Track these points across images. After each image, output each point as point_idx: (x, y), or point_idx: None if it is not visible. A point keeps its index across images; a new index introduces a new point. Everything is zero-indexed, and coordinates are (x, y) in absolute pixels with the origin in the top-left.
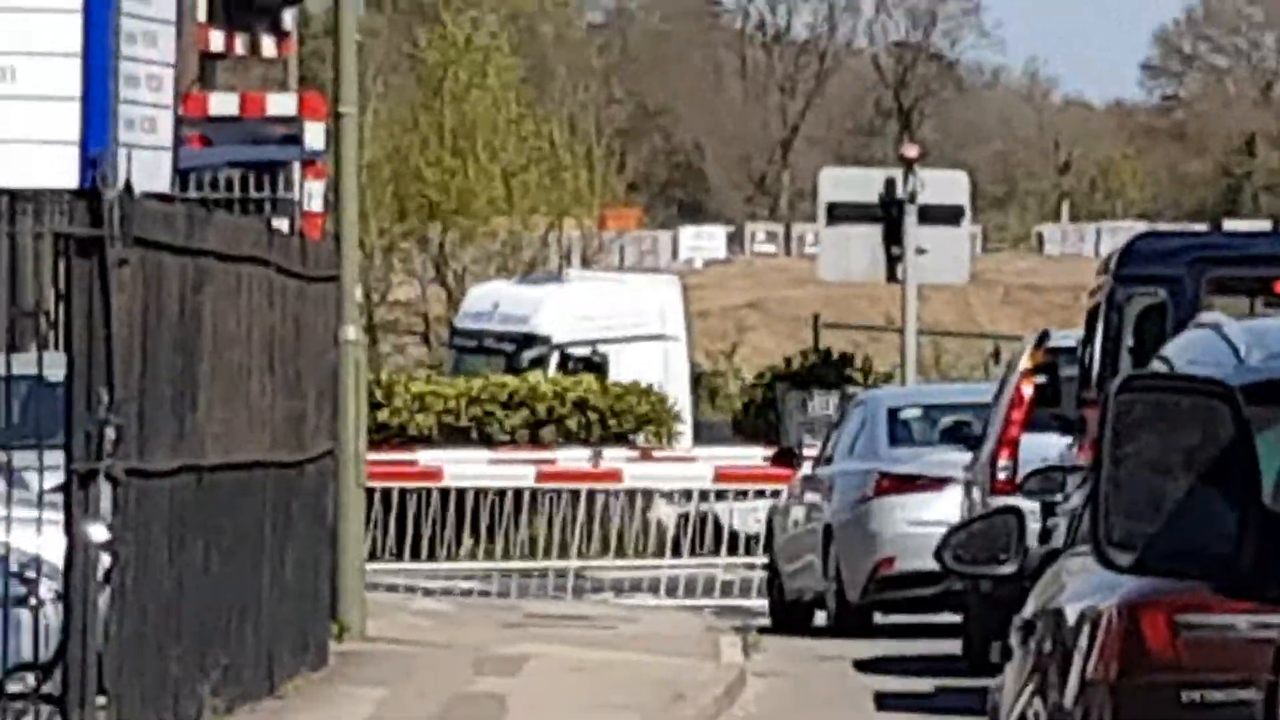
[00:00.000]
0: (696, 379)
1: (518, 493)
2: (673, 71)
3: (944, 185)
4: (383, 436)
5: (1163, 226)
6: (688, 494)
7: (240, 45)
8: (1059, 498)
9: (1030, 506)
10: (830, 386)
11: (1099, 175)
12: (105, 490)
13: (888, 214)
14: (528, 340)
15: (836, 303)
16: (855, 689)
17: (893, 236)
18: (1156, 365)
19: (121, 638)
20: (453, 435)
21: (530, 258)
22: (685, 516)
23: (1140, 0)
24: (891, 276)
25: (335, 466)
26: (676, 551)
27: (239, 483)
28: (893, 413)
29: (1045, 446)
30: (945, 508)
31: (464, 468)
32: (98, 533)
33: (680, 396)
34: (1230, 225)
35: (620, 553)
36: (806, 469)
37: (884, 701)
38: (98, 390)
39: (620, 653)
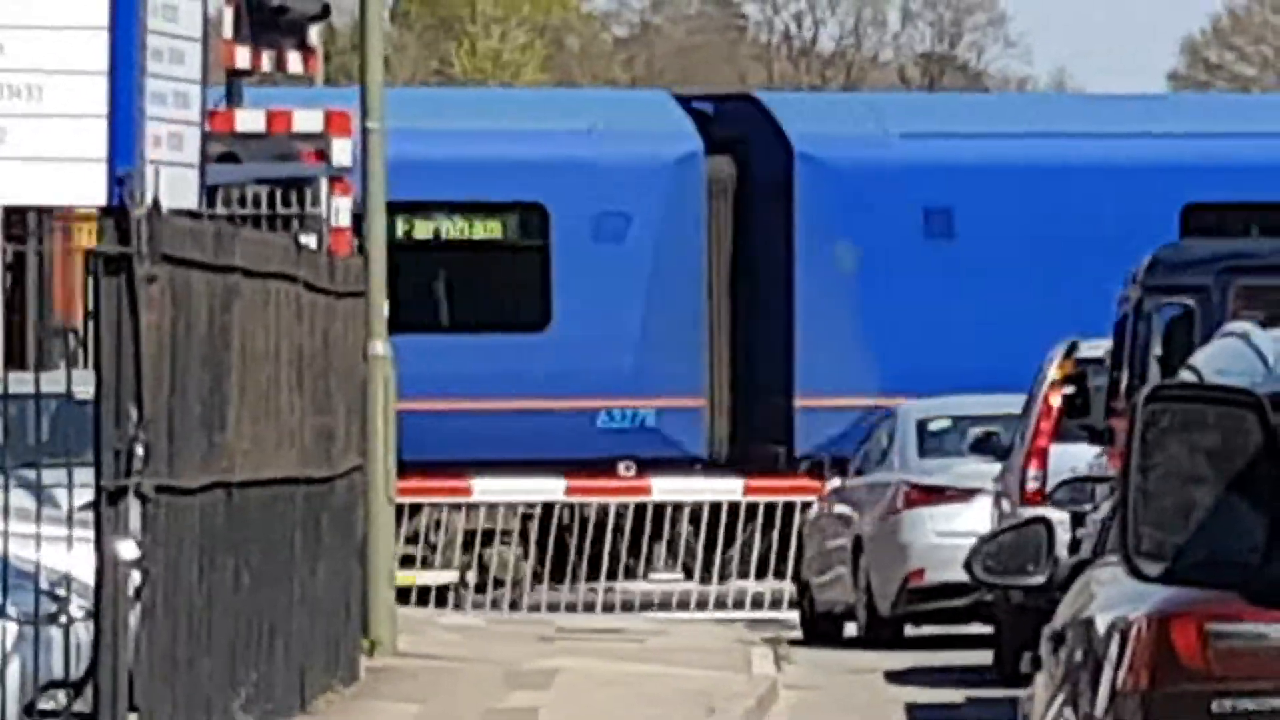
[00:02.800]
0: None
1: (547, 506)
2: (699, 85)
3: None
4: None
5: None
6: None
7: (266, 61)
8: (1088, 508)
9: (1060, 517)
10: None
11: None
12: (135, 507)
13: None
14: None
15: None
16: (886, 700)
17: None
18: (1184, 375)
19: (152, 655)
20: None
21: None
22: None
23: (1166, 10)
24: None
25: (365, 482)
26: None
27: (269, 499)
28: (921, 424)
29: (1074, 457)
30: (974, 519)
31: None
32: (128, 550)
33: None
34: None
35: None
36: (836, 481)
37: (915, 713)
38: (127, 407)
39: (652, 665)
